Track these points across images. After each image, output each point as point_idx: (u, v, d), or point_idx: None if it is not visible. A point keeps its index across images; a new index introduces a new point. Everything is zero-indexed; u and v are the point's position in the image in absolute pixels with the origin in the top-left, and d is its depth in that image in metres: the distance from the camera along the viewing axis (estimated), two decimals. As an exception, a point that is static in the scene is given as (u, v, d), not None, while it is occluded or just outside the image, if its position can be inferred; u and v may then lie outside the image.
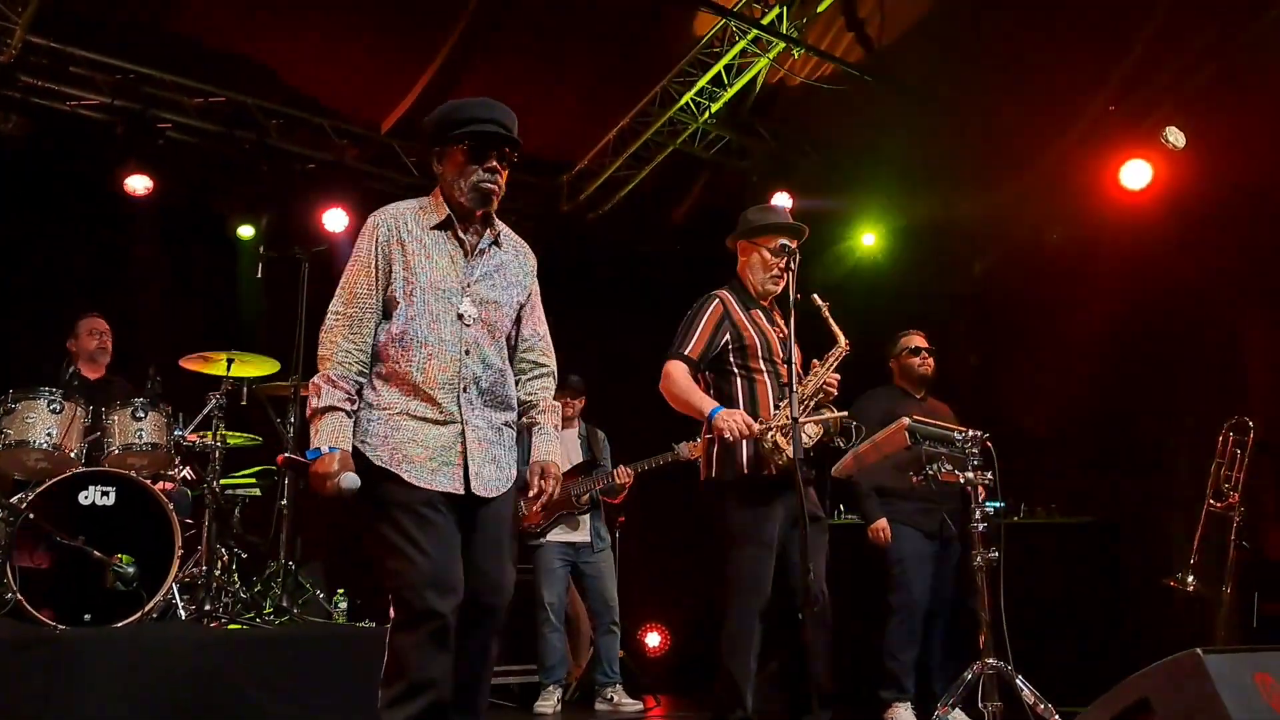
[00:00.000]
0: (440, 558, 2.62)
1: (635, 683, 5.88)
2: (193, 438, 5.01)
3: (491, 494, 2.75)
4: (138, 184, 6.20)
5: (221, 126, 6.51)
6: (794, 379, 3.31)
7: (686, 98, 6.84)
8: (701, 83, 6.75)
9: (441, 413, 2.73)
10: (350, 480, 2.60)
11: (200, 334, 5.85)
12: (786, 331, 3.68)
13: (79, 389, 4.84)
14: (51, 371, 5.04)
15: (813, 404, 3.59)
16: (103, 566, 4.23)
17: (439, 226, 2.81)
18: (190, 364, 5.12)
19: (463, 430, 2.72)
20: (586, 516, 5.73)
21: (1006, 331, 6.69)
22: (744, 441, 3.49)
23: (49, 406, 4.47)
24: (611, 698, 5.61)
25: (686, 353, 3.61)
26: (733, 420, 3.43)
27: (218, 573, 4.82)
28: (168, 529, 4.43)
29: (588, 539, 5.72)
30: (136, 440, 4.69)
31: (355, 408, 2.73)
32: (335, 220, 6.68)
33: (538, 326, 3.02)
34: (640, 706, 5.64)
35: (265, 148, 6.60)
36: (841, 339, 3.62)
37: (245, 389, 5.21)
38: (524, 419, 2.97)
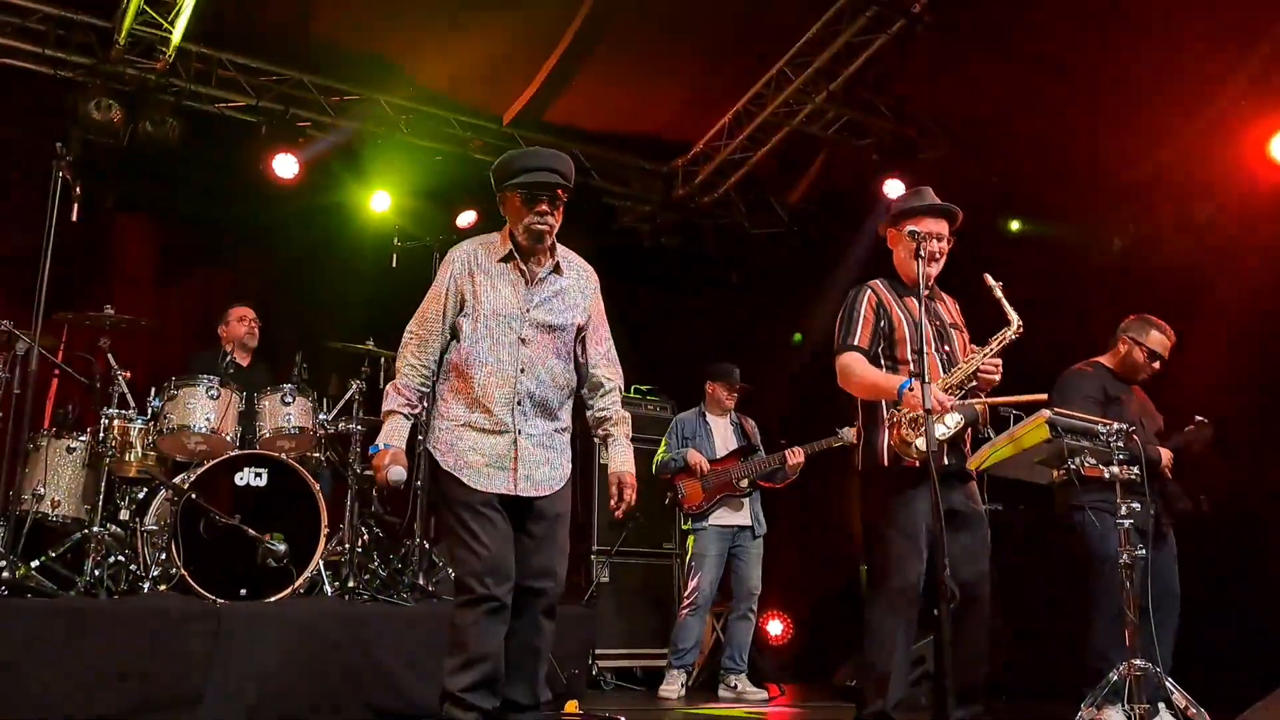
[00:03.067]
0: (495, 549, 3.03)
1: (757, 671, 5.87)
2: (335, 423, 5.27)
3: (543, 493, 3.13)
4: (285, 167, 6.52)
5: (356, 123, 6.80)
6: (925, 369, 3.21)
7: (804, 77, 6.76)
8: (820, 61, 6.67)
9: (498, 424, 3.12)
10: (397, 473, 3.04)
11: (341, 320, 6.13)
12: (953, 318, 3.64)
13: (234, 375, 5.15)
14: (210, 358, 5.37)
15: (962, 392, 3.45)
16: (256, 544, 4.51)
17: (504, 259, 3.21)
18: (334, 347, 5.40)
19: (515, 439, 3.10)
20: (748, 500, 5.76)
21: (1149, 311, 6.39)
22: (885, 431, 3.45)
23: (207, 392, 4.77)
24: (736, 685, 5.59)
25: (856, 343, 3.53)
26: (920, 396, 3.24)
27: (359, 551, 5.05)
28: (314, 508, 4.69)
29: (749, 522, 5.74)
30: (285, 424, 4.98)
31: (415, 412, 3.20)
32: (465, 219, 7.06)
33: (600, 345, 3.36)
34: (764, 695, 5.61)
35: (395, 139, 6.85)
36: (1014, 320, 3.46)
37: (383, 374, 5.44)
38: (599, 432, 3.36)
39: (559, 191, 3.13)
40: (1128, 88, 6.15)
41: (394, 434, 3.11)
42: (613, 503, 3.27)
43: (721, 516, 5.72)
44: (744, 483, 5.72)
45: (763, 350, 7.75)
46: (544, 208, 3.11)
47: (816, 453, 5.60)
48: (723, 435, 5.94)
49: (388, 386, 3.19)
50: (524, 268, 3.19)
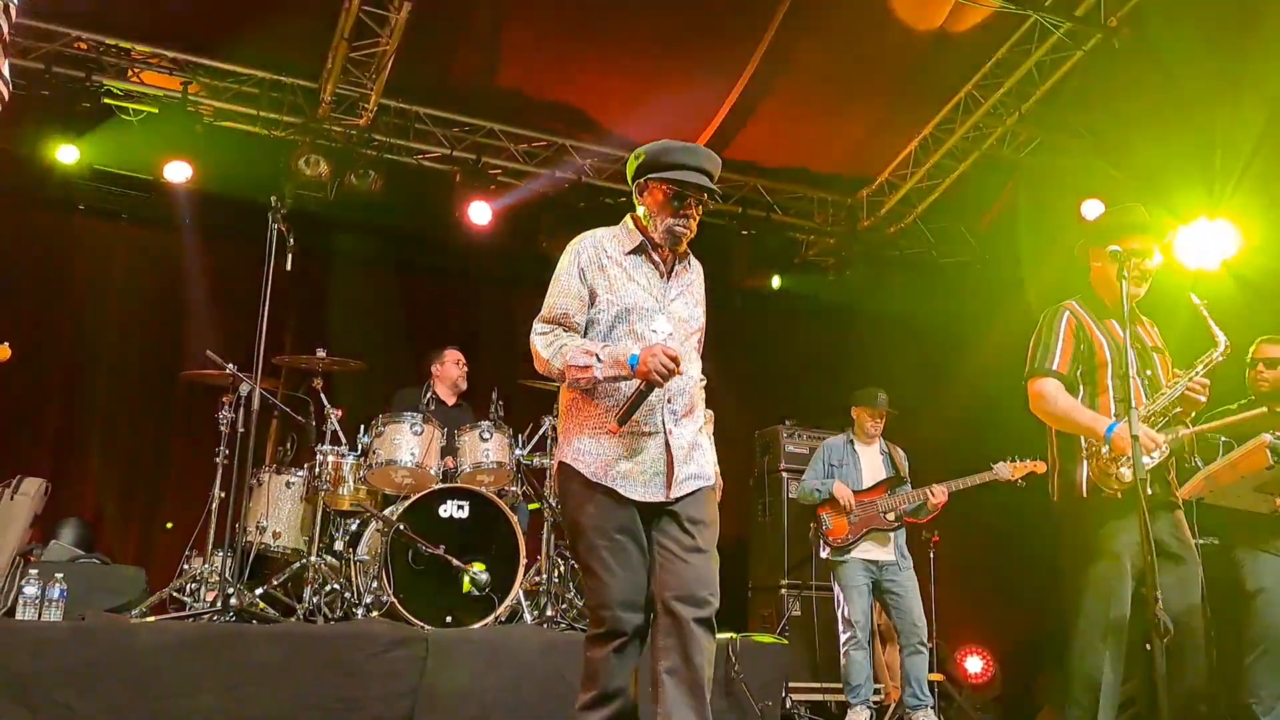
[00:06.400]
0: (629, 580, 2.81)
1: (954, 709, 5.62)
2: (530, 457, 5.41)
3: (686, 491, 2.87)
4: (480, 214, 6.81)
5: (543, 168, 7.06)
6: (1133, 394, 3.06)
7: (993, 100, 6.54)
8: (1009, 84, 6.44)
9: (648, 425, 2.86)
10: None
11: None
12: (1154, 341, 3.43)
13: (435, 412, 5.38)
14: (413, 395, 5.64)
15: (1165, 419, 3.27)
16: (460, 573, 4.66)
17: (634, 251, 2.98)
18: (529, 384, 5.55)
19: (667, 441, 2.86)
20: (893, 534, 5.56)
21: None
22: (1083, 462, 3.28)
23: (412, 429, 5.01)
24: (925, 724, 5.34)
25: (1054, 367, 3.36)
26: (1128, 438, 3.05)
27: (555, 580, 5.15)
28: (513, 539, 4.82)
29: (893, 557, 5.54)
30: (484, 459, 5.15)
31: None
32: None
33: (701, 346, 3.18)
34: (955, 732, 5.37)
35: (582, 184, 7.05)
36: (1220, 341, 3.26)
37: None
38: None
39: (705, 197, 2.97)
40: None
41: (619, 349, 2.82)
42: None
43: (867, 550, 5.51)
44: (891, 516, 5.51)
45: (954, 381, 7.49)
46: (691, 210, 2.93)
47: (963, 490, 5.35)
48: (871, 464, 5.72)
49: (563, 371, 2.84)
50: (657, 260, 2.98)
